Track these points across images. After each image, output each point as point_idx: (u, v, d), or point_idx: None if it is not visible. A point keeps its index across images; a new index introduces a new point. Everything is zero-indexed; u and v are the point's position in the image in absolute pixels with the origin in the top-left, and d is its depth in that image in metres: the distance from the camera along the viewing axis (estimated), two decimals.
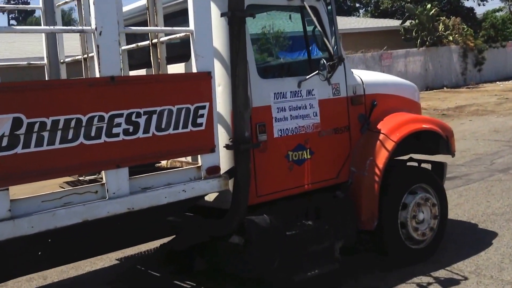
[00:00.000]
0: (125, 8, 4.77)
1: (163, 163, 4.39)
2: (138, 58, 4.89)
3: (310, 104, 4.49)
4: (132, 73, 4.65)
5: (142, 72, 4.61)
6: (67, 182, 4.05)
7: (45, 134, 2.94)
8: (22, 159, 2.88)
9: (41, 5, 4.98)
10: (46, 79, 5.05)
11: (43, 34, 5.12)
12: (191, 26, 3.54)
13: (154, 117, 3.36)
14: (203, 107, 3.58)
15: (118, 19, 4.27)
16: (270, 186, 4.28)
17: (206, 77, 3.60)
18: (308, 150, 4.49)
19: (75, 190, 3.19)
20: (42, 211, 3.02)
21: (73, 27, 3.30)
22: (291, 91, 4.38)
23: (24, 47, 19.05)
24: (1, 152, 2.81)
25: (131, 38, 4.70)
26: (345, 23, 31.44)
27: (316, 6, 4.53)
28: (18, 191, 3.12)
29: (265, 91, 4.22)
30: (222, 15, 3.82)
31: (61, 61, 5.07)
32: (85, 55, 4.82)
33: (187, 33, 3.62)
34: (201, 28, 3.55)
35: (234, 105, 3.82)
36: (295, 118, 4.42)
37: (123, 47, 4.49)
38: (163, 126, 3.41)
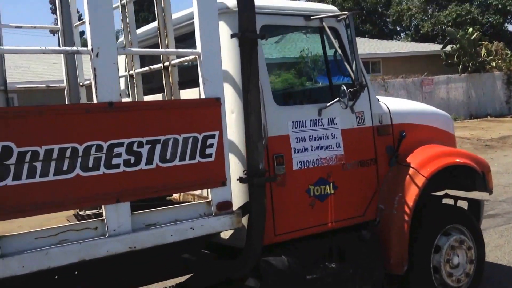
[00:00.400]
0: (139, 30, 4.73)
1: (176, 196, 4.25)
2: (156, 82, 4.81)
3: (332, 134, 4.30)
4: (150, 98, 4.56)
5: (159, 97, 4.52)
6: (74, 215, 3.94)
7: (38, 165, 2.84)
8: (13, 192, 2.77)
9: (59, 25, 4.98)
10: (66, 102, 5.03)
11: (62, 56, 5.07)
12: (198, 48, 3.43)
13: (158, 146, 3.23)
14: (212, 136, 3.44)
15: (131, 40, 4.29)
16: (289, 224, 4.08)
17: (214, 103, 3.47)
18: (331, 184, 4.29)
19: (72, 226, 3.06)
20: (34, 249, 2.89)
21: (67, 48, 3.21)
22: (311, 120, 4.21)
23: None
24: None
25: (149, 61, 4.64)
26: (384, 47, 31.50)
27: (336, 28, 4.38)
28: (24, 223, 3.01)
29: (283, 119, 4.06)
30: (232, 36, 3.71)
31: (81, 83, 5.02)
32: None
33: (195, 56, 3.50)
34: (209, 50, 3.44)
35: (247, 134, 3.67)
36: (316, 149, 4.24)
37: (137, 70, 4.42)
38: (168, 157, 3.27)
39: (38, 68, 21.26)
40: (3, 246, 2.80)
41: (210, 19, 3.44)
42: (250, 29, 3.57)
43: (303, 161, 4.15)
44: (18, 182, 2.79)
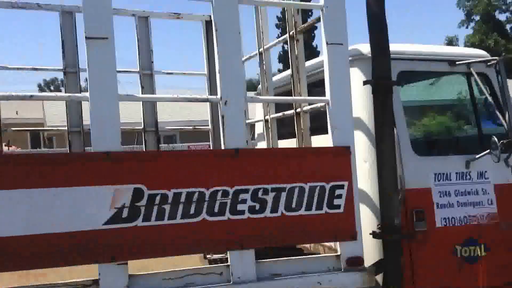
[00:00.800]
0: (276, 77, 4.86)
1: (307, 245, 4.18)
2: (292, 127, 4.88)
3: (482, 189, 3.93)
4: (286, 142, 4.61)
5: (294, 141, 4.56)
6: (207, 257, 4.05)
7: (167, 207, 2.98)
8: (142, 233, 2.94)
9: (205, 71, 5.33)
10: (210, 144, 5.32)
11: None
12: (327, 95, 3.40)
13: (283, 195, 3.21)
14: (341, 187, 3.33)
15: (267, 86, 4.42)
16: (433, 287, 3.75)
17: (343, 152, 3.37)
18: (482, 246, 3.89)
19: (199, 270, 3.14)
20: None
21: (198, 96, 3.38)
22: (457, 172, 3.90)
23: None
24: (121, 224, 2.90)
25: (286, 106, 4.74)
26: None
27: (486, 73, 4.08)
28: (160, 260, 3.16)
29: (423, 171, 3.81)
30: (364, 83, 3.62)
31: None
32: None
33: (323, 103, 3.48)
34: (338, 98, 3.39)
35: (380, 186, 3.50)
36: (464, 206, 3.89)
37: (272, 116, 4.52)
38: (293, 206, 3.23)
39: (200, 108, 22.78)
40: (131, 285, 2.96)
41: (340, 67, 3.41)
42: (384, 76, 3.46)
43: (448, 218, 3.83)
44: (147, 224, 2.95)
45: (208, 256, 3.87)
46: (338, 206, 3.32)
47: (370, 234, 3.55)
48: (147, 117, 4.83)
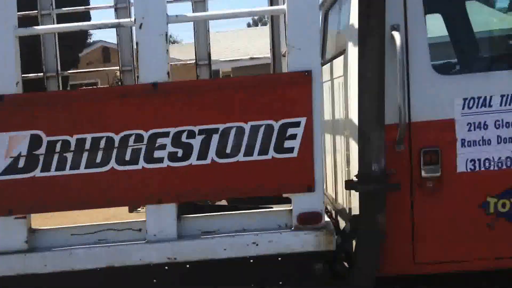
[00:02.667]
0: None
1: None
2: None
3: None
4: None
5: None
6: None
7: (68, 156, 2.77)
8: (41, 184, 2.78)
9: None
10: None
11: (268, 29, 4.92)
12: (285, 3, 2.77)
13: (215, 137, 2.76)
14: (295, 125, 2.74)
15: None
16: (443, 250, 3.03)
17: (300, 79, 2.74)
18: None
19: (114, 225, 2.92)
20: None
21: (106, 21, 2.91)
22: (502, 96, 2.95)
23: None
24: (17, 175, 2.78)
25: None
26: None
27: None
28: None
29: (445, 95, 2.97)
30: None
31: (283, 53, 4.85)
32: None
33: (277, 14, 2.85)
34: (296, 5, 2.74)
35: (358, 120, 2.81)
36: (508, 142, 2.96)
37: None
38: (228, 151, 2.77)
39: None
40: (32, 240, 2.85)
41: None
42: None
43: (479, 160, 2.97)
44: (46, 174, 2.77)
45: (139, 209, 3.57)
46: (290, 150, 2.77)
47: (348, 183, 2.92)
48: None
